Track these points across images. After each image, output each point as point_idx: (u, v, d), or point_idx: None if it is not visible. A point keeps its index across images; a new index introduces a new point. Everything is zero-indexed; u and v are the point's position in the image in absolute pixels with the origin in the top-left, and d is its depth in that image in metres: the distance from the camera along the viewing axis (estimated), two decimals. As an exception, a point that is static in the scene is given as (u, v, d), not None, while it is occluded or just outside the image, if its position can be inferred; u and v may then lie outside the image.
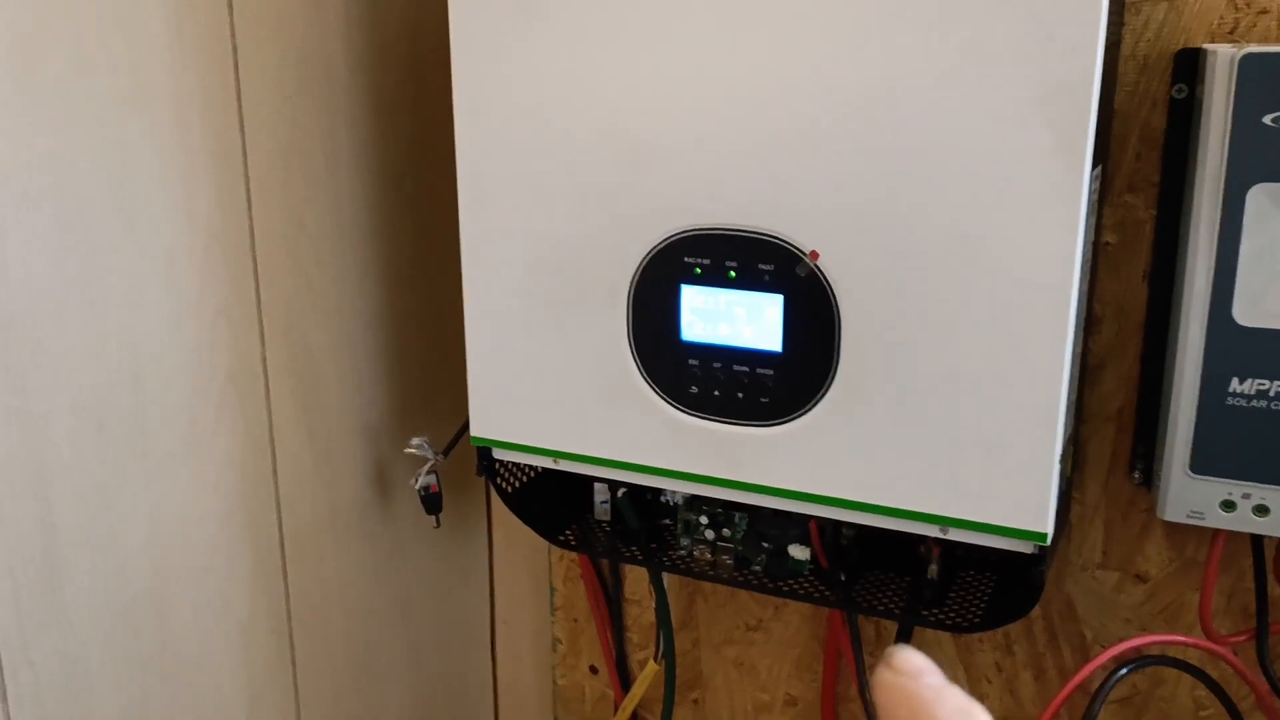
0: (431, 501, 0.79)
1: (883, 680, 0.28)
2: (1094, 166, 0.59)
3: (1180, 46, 0.62)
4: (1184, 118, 0.61)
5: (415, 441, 0.77)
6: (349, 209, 0.77)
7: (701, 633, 0.88)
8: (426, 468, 0.79)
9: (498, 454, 0.75)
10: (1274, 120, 0.55)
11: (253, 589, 0.74)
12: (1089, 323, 0.68)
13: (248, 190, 0.70)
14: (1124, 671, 0.65)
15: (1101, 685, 0.64)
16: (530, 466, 0.79)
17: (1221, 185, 0.57)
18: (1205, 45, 0.59)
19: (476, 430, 0.73)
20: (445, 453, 0.80)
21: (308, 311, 0.75)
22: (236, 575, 0.73)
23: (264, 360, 0.72)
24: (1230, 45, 0.57)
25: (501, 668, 1.01)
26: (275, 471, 0.75)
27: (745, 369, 0.65)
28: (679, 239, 0.64)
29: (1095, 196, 0.61)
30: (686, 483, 0.69)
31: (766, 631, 0.85)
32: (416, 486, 0.79)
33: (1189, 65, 0.61)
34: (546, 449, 0.73)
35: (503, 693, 1.02)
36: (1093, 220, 0.61)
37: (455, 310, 0.71)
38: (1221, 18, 0.61)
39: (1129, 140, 0.65)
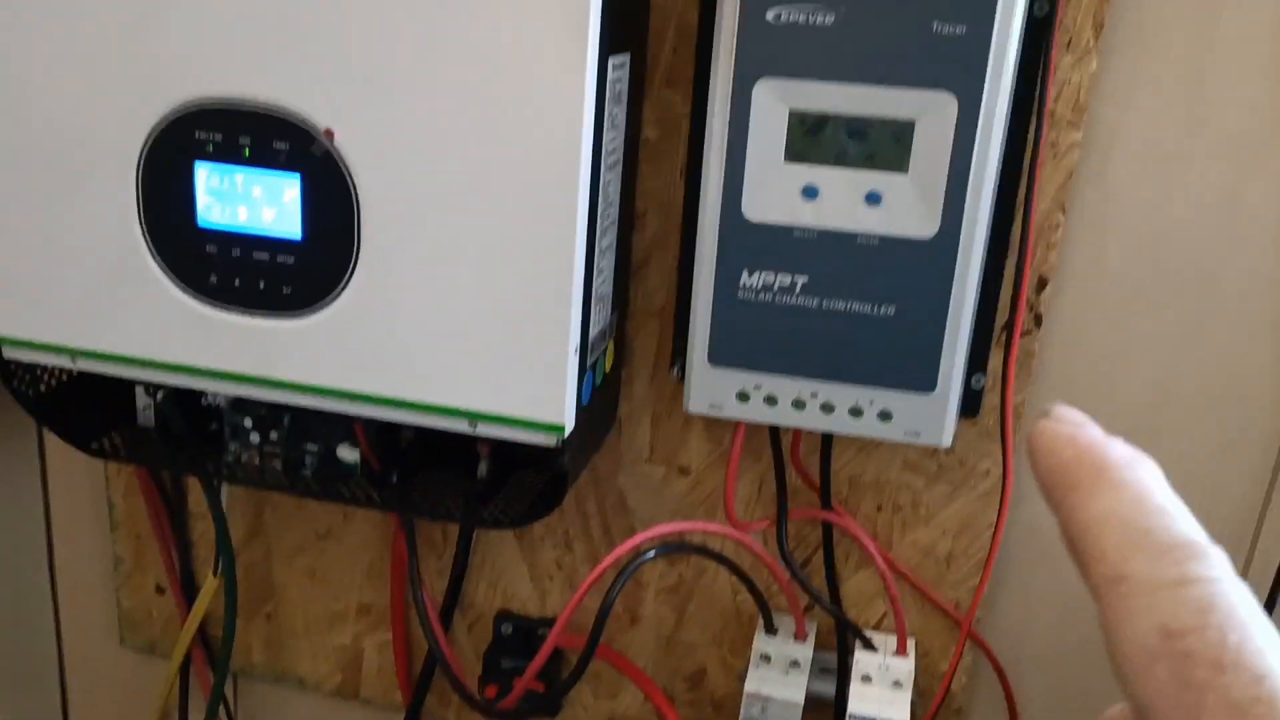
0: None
1: (1044, 429, 0.25)
2: (617, 54, 0.59)
3: (708, -59, 0.62)
4: (711, 11, 0.62)
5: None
6: None
7: (272, 543, 0.84)
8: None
9: (10, 352, 0.67)
10: (775, 16, 0.57)
11: None
12: (633, 218, 0.68)
13: None
14: (651, 555, 0.67)
15: (624, 568, 0.65)
16: (59, 367, 0.71)
17: (731, 79, 0.58)
18: (725, -61, 0.59)
19: (-28, 324, 0.65)
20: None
21: None
22: None
23: None
24: (744, -60, 0.58)
25: (62, 589, 0.93)
26: None
27: (265, 255, 0.60)
28: (190, 110, 0.58)
29: (623, 87, 0.61)
30: (213, 381, 0.64)
31: (337, 539, 0.82)
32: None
33: (713, -41, 0.61)
34: (61, 346, 0.65)
35: (65, 616, 0.93)
36: (621, 111, 0.61)
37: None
38: (746, -85, 0.62)
39: (666, 33, 0.65)
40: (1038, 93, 0.59)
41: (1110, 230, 0.64)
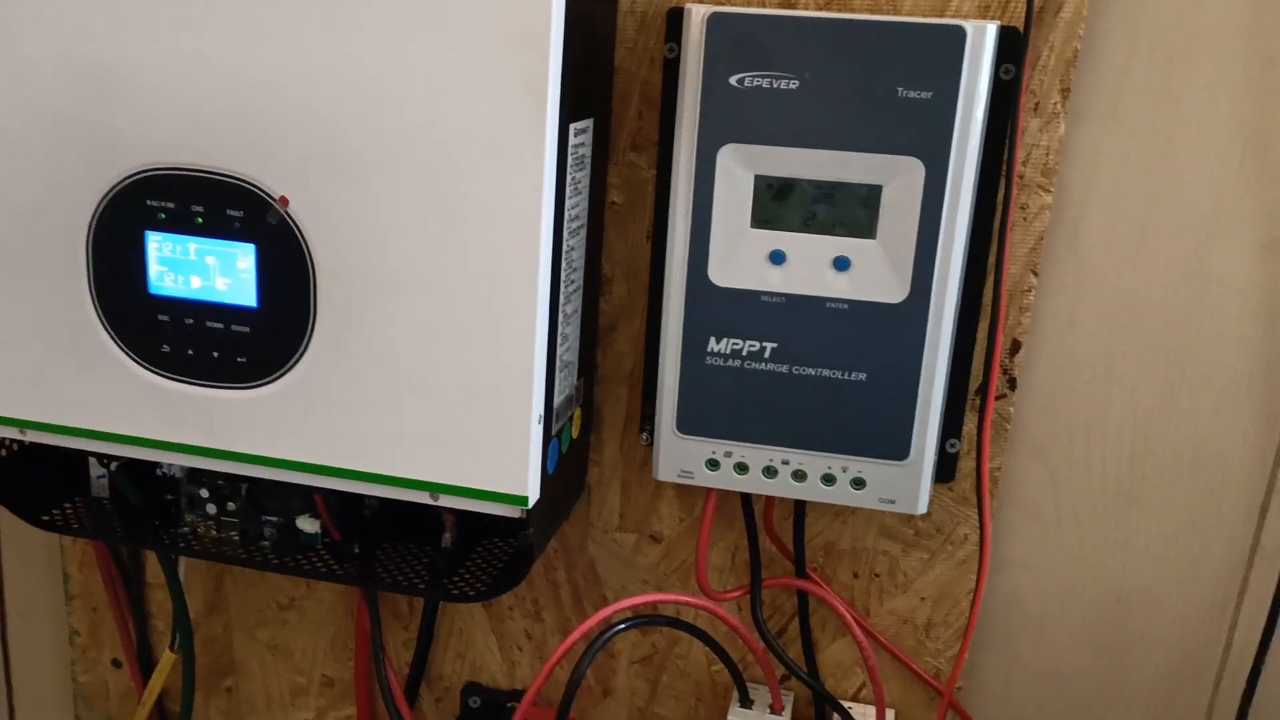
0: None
1: None
2: (579, 120, 0.58)
3: (672, 5, 0.62)
4: (674, 77, 0.61)
5: None
6: None
7: (233, 615, 0.81)
8: None
9: (-44, 424, 0.65)
10: (739, 81, 0.56)
11: None
12: (599, 283, 0.67)
13: None
14: (623, 626, 0.65)
15: (596, 639, 0.63)
16: (9, 438, 0.69)
17: (696, 144, 0.57)
18: (688, 4, 0.58)
19: (-87, 396, 0.63)
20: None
21: None
22: None
23: None
24: (707, 5, 0.57)
25: (15, 664, 0.89)
26: None
27: (219, 325, 0.59)
28: (140, 179, 0.57)
29: (586, 151, 0.60)
30: (167, 452, 0.62)
31: (300, 610, 0.80)
32: None
33: (677, 24, 0.60)
34: (8, 418, 0.64)
35: (18, 692, 0.90)
36: (584, 176, 0.60)
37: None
38: (709, -22, 0.61)
39: (630, 98, 0.64)
40: (1006, 156, 0.58)
41: (1083, 293, 0.63)
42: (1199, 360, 0.63)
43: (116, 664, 0.85)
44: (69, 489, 0.72)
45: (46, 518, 0.70)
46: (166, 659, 0.79)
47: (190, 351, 0.59)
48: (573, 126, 0.56)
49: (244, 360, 0.59)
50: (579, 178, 0.59)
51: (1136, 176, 0.61)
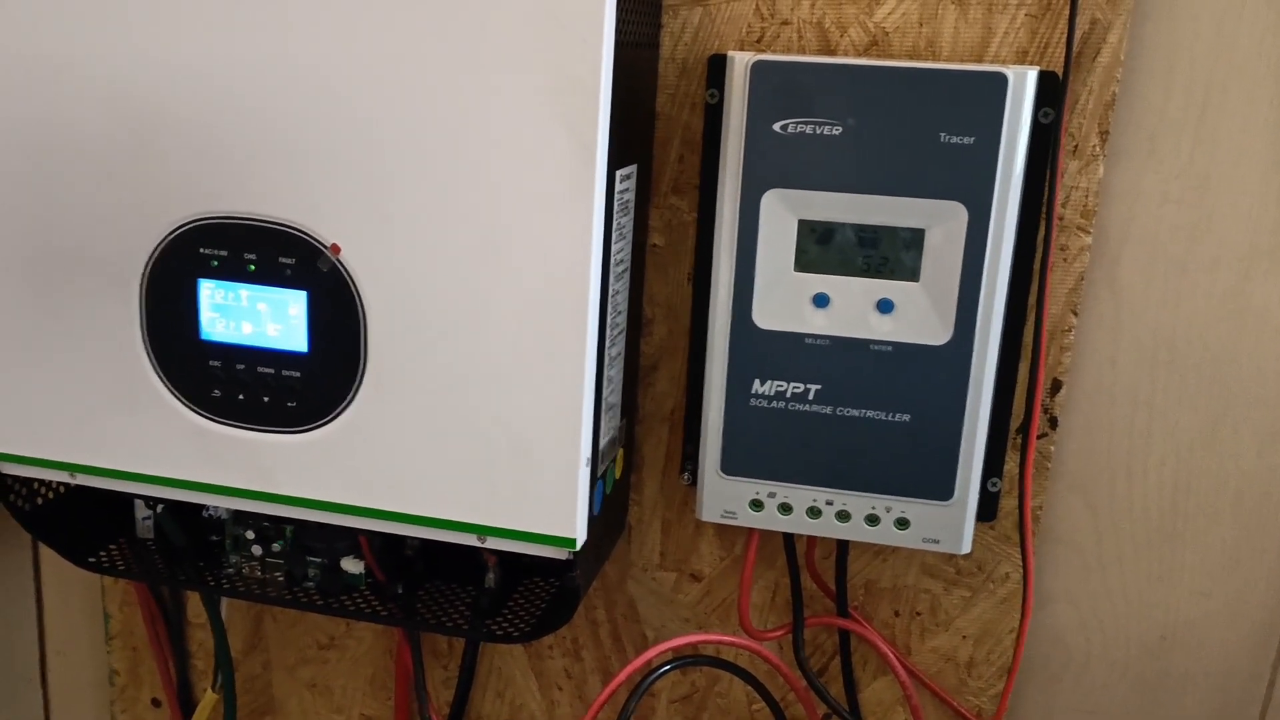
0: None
1: None
2: (624, 166, 0.59)
3: (713, 52, 0.63)
4: (716, 122, 0.62)
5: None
6: None
7: (273, 654, 0.82)
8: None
9: (7, 468, 0.66)
10: (783, 127, 0.57)
11: None
12: (640, 324, 0.68)
13: None
14: (667, 668, 0.66)
15: (640, 683, 0.63)
16: (57, 481, 0.70)
17: (739, 190, 0.58)
18: (731, 52, 0.59)
19: (-31, 441, 0.64)
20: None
21: None
22: None
23: None
24: (750, 53, 0.58)
25: (55, 704, 0.90)
26: None
27: (270, 371, 0.60)
28: (193, 227, 0.58)
29: (630, 196, 0.61)
30: (215, 495, 0.62)
31: (340, 649, 0.80)
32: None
33: (719, 71, 0.61)
34: (58, 462, 0.64)
35: (58, 733, 0.91)
36: (629, 220, 0.61)
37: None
38: (749, 26, 0.62)
39: (671, 143, 0.65)
40: (1046, 198, 0.59)
41: (1123, 331, 0.64)
42: (1239, 396, 0.63)
43: (156, 704, 0.86)
44: (113, 530, 0.73)
45: (92, 559, 0.71)
46: (208, 699, 0.79)
47: (241, 396, 0.60)
48: (618, 173, 0.57)
49: (294, 405, 0.60)
50: (624, 223, 0.60)
51: (1174, 215, 0.62)
